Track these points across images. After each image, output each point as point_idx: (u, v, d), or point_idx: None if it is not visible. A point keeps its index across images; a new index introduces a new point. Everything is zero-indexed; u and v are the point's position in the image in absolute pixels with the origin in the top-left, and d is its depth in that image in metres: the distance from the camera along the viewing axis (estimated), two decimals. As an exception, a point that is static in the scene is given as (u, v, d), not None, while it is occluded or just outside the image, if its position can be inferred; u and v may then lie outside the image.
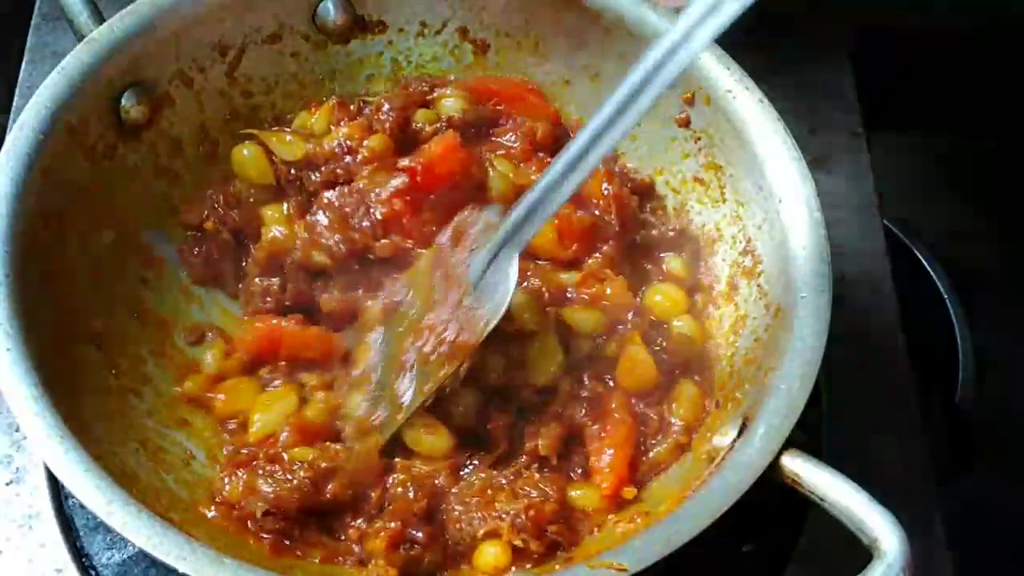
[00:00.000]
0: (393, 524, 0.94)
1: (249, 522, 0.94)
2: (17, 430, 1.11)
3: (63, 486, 0.84)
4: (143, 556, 1.00)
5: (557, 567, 0.91)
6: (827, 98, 1.41)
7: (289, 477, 0.94)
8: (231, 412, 1.03)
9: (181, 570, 0.80)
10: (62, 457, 0.84)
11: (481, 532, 0.94)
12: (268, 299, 1.08)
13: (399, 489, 0.97)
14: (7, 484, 1.09)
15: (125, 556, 1.04)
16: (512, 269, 0.96)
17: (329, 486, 0.95)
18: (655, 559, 0.82)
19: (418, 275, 1.04)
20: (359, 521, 0.96)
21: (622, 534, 0.93)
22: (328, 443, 1.00)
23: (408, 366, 1.00)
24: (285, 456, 0.97)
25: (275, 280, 1.08)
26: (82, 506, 0.83)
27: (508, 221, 0.96)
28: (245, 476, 0.96)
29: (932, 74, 1.78)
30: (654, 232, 1.13)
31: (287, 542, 0.93)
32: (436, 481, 0.98)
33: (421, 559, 0.94)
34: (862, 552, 0.82)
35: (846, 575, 0.80)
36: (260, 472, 0.95)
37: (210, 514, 0.94)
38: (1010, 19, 1.76)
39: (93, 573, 1.04)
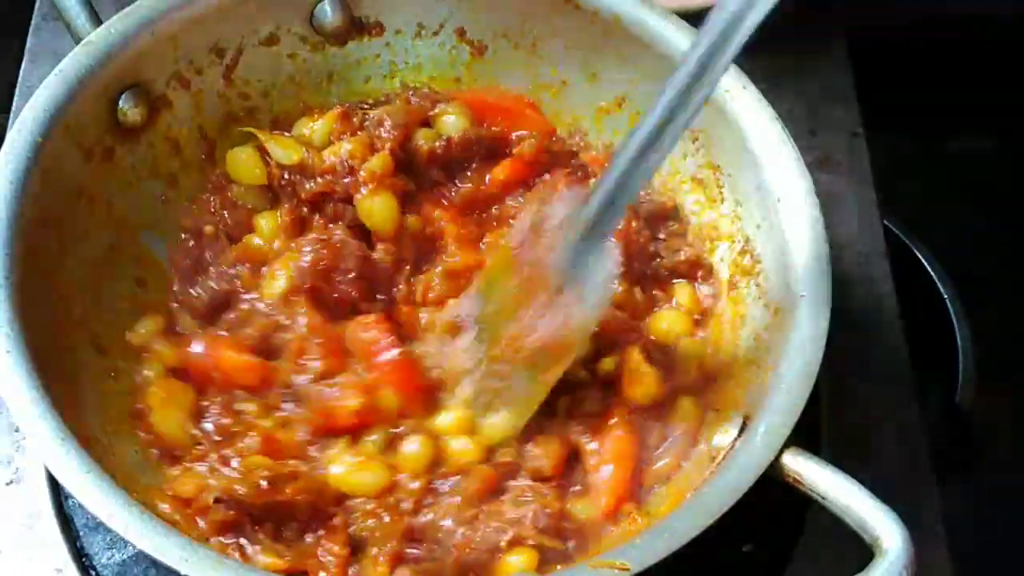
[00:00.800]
0: (388, 546, 0.92)
1: (200, 520, 0.91)
2: (17, 430, 1.11)
3: (63, 486, 0.84)
4: (143, 556, 0.99)
5: (559, 567, 0.91)
6: (827, 98, 1.40)
7: (242, 477, 0.93)
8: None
9: (183, 572, 0.80)
10: (63, 459, 0.84)
11: (504, 541, 0.92)
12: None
13: (370, 521, 0.94)
14: (7, 484, 1.09)
15: (125, 556, 1.04)
16: (607, 256, 0.94)
17: (288, 488, 0.92)
18: (656, 559, 0.82)
19: (492, 281, 1.01)
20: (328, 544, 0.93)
21: (623, 534, 0.93)
22: (289, 460, 0.96)
23: (506, 376, 0.99)
24: (236, 463, 0.95)
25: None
26: (82, 506, 0.83)
27: (591, 208, 0.92)
28: (196, 471, 0.94)
29: (932, 74, 1.78)
30: (665, 262, 1.11)
31: (240, 540, 0.91)
32: (401, 506, 0.96)
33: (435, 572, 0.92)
34: (863, 552, 0.82)
35: (846, 575, 0.80)
36: (212, 471, 0.94)
37: (163, 507, 0.91)
38: (1010, 18, 1.76)
39: (93, 573, 1.04)
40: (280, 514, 0.93)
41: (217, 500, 0.91)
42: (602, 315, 0.99)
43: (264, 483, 0.92)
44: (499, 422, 1.01)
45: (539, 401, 0.99)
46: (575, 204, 0.96)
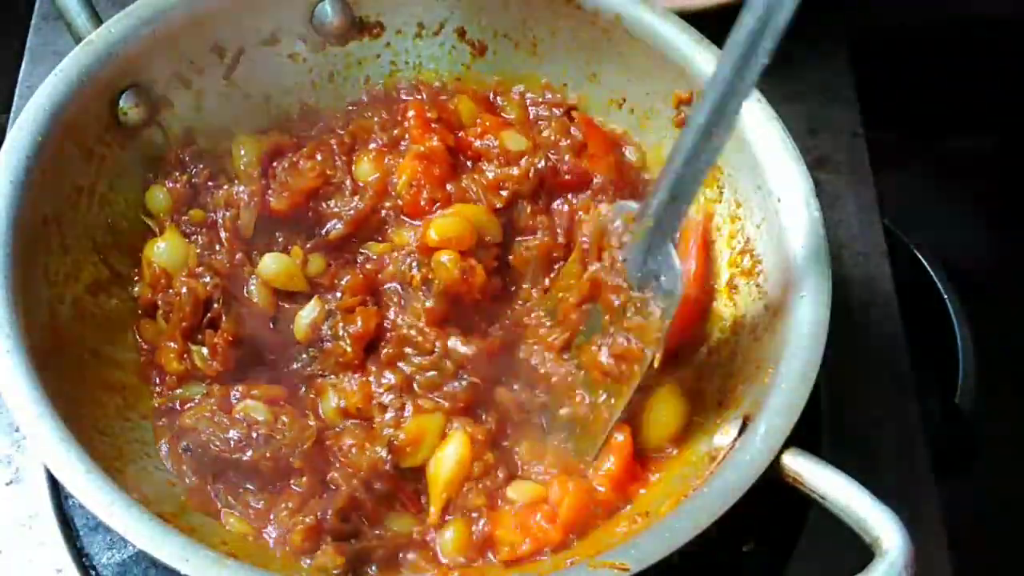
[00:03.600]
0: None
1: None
2: (17, 430, 1.11)
3: (63, 486, 0.84)
4: (143, 556, 1.00)
5: (568, 562, 0.91)
6: (827, 98, 1.40)
7: (226, 425, 0.96)
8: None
9: (183, 572, 0.80)
10: (63, 459, 0.84)
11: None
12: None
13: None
14: (7, 484, 1.09)
15: (125, 556, 1.04)
16: (673, 255, 0.94)
17: (250, 452, 0.96)
18: (656, 559, 0.82)
19: (561, 296, 1.04)
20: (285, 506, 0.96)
21: (623, 534, 0.93)
22: (285, 416, 0.99)
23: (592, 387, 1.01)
24: (237, 405, 0.98)
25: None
26: (82, 506, 0.83)
27: (653, 206, 0.93)
28: (195, 414, 0.98)
29: (932, 74, 1.78)
30: None
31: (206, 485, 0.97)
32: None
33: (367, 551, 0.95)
34: (863, 552, 0.82)
35: (846, 575, 0.80)
36: (207, 414, 0.97)
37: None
38: (1010, 19, 1.76)
39: (93, 573, 1.04)
40: (240, 471, 0.97)
41: (185, 449, 0.96)
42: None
43: (232, 441, 0.96)
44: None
45: (612, 421, 1.00)
46: (633, 211, 0.97)
